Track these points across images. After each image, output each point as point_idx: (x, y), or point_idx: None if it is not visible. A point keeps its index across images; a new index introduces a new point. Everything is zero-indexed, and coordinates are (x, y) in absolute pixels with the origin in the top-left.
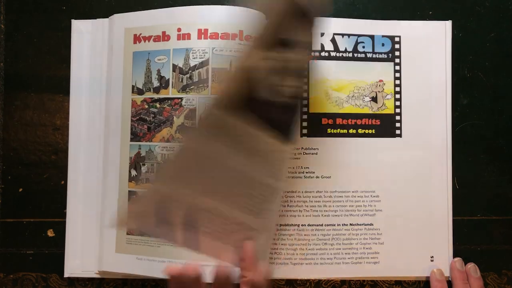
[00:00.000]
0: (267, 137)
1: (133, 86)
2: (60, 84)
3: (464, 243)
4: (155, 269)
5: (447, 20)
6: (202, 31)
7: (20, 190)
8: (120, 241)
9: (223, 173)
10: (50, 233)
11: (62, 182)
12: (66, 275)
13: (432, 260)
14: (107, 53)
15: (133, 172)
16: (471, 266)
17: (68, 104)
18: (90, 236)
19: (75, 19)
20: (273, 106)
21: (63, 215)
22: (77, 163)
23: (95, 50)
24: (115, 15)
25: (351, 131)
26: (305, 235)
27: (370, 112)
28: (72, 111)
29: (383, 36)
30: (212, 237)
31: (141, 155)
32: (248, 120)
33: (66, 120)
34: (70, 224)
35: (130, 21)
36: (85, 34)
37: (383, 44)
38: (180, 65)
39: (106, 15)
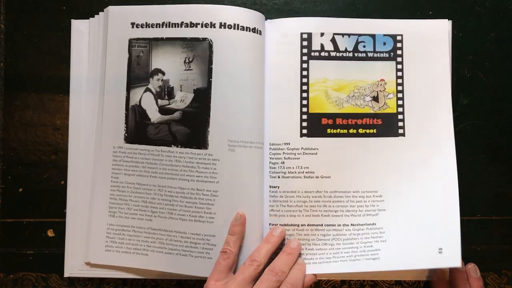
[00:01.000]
0: None
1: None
2: (60, 84)
3: (464, 243)
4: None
5: (447, 20)
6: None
7: (20, 190)
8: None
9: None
10: (50, 233)
11: (62, 182)
12: (66, 275)
13: (440, 253)
14: (101, 46)
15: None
16: (471, 266)
17: (68, 104)
18: None
19: (75, 19)
20: None
21: (63, 215)
22: (77, 163)
23: (93, 48)
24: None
25: (351, 131)
26: (304, 235)
27: (371, 111)
28: (72, 111)
29: (384, 35)
30: None
31: None
32: None
33: (66, 120)
34: (70, 224)
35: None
36: (85, 34)
37: (384, 43)
38: None
39: None
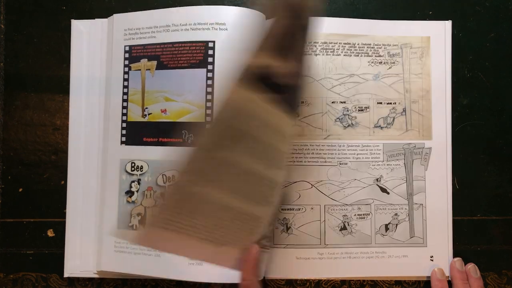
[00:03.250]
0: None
1: None
2: (60, 84)
3: (464, 243)
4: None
5: (447, 20)
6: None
7: (20, 190)
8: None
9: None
10: (50, 233)
11: (62, 182)
12: (66, 275)
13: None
14: (105, 53)
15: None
16: (471, 266)
17: (68, 104)
18: (89, 236)
19: (75, 19)
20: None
21: (63, 215)
22: (77, 163)
23: (94, 50)
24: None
25: None
26: None
27: None
28: (72, 111)
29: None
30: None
31: None
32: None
33: (66, 120)
34: (70, 224)
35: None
36: (84, 34)
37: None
38: None
39: (106, 15)
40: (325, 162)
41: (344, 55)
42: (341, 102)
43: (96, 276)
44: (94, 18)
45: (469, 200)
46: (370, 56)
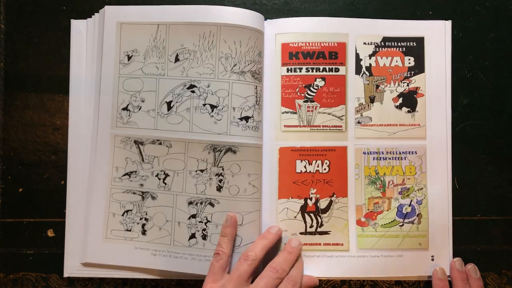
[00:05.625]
0: None
1: None
2: (60, 84)
3: (464, 243)
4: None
5: (447, 20)
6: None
7: (20, 190)
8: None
9: None
10: (50, 233)
11: (62, 182)
12: (66, 275)
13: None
14: (97, 46)
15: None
16: (471, 266)
17: (68, 104)
18: None
19: (75, 19)
20: None
21: (63, 215)
22: (77, 163)
23: (91, 47)
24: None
25: None
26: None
27: None
28: (72, 111)
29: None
30: None
31: None
32: None
33: (66, 120)
34: (70, 224)
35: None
36: (84, 34)
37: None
38: None
39: None
40: None
41: None
42: None
43: (85, 269)
44: None
45: (469, 200)
46: None
